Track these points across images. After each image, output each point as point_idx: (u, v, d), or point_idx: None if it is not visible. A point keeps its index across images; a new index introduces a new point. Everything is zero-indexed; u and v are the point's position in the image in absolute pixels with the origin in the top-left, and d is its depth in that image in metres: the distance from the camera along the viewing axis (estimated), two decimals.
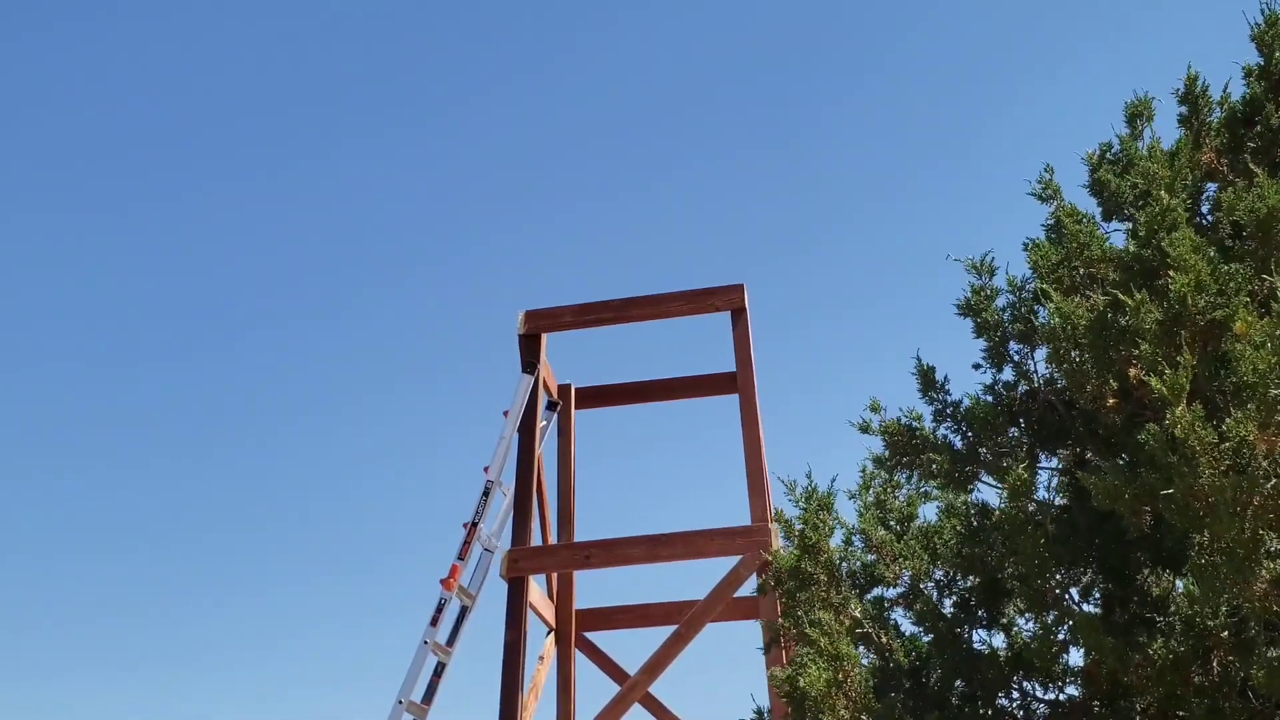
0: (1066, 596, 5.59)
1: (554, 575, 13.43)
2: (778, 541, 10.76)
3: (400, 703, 11.10)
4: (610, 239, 32.51)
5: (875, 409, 6.60)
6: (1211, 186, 6.08)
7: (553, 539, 13.47)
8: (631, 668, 12.22)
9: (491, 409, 13.79)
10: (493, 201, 32.57)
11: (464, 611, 11.76)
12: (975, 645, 6.11)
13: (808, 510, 6.57)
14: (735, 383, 12.70)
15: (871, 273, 32.32)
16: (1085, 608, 5.62)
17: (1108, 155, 6.30)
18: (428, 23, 30.45)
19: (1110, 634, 5.03)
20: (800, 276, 32.28)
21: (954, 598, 6.28)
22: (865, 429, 6.61)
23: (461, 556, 11.89)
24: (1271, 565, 4.22)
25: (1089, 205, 6.18)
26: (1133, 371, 5.00)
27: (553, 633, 13.29)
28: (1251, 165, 5.35)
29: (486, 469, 12.42)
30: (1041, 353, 6.10)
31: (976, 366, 6.37)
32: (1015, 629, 6.03)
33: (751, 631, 13.42)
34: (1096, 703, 5.52)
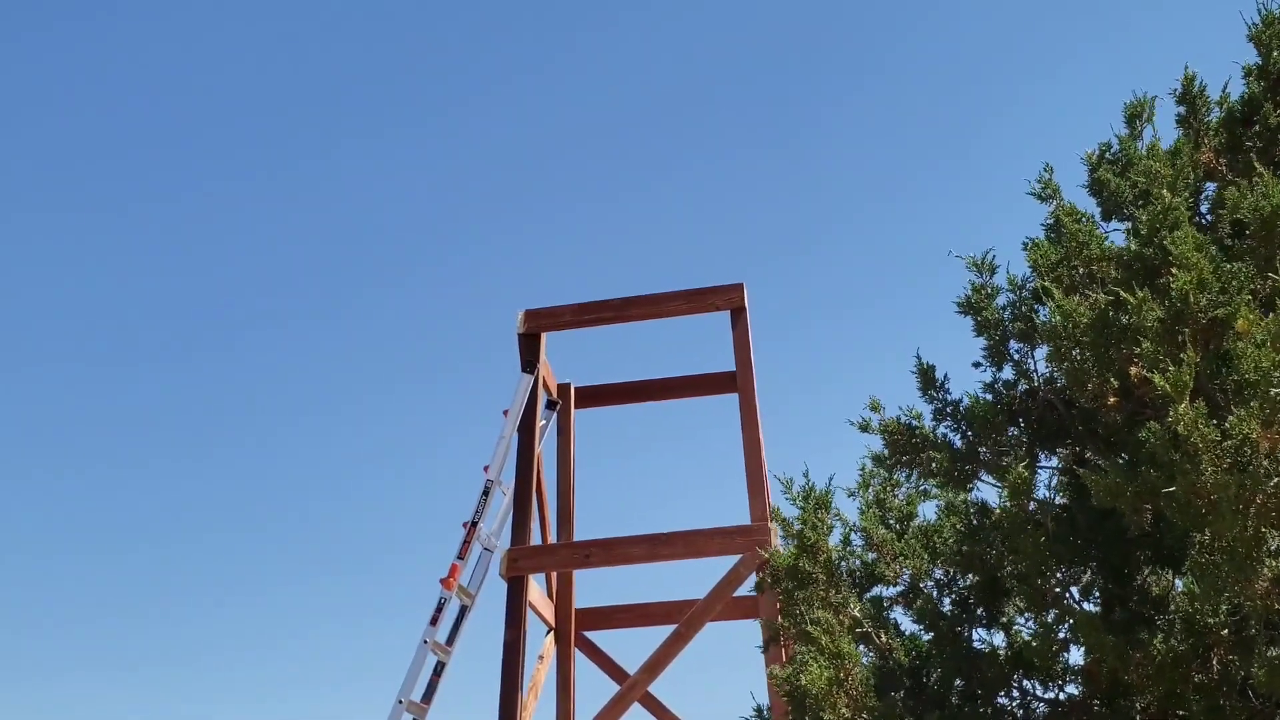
0: (1066, 595, 5.59)
1: (554, 574, 13.43)
2: (777, 541, 10.77)
3: (400, 702, 11.10)
4: (610, 239, 32.52)
5: (875, 408, 6.61)
6: (1210, 186, 6.09)
7: (552, 538, 13.47)
8: (631, 667, 12.22)
9: (491, 408, 13.79)
10: (493, 201, 32.59)
11: (464, 611, 11.76)
12: (975, 644, 6.11)
13: (806, 509, 6.57)
14: (735, 382, 12.70)
15: (871, 273, 32.35)
16: (1085, 606, 5.63)
17: (1107, 155, 6.31)
18: (428, 23, 30.46)
19: (1110, 632, 5.03)
20: (800, 276, 32.30)
21: (954, 596, 6.29)
22: (865, 428, 6.61)
23: (461, 556, 11.89)
24: (1273, 563, 4.22)
25: (1088, 205, 6.20)
26: (1134, 370, 5.00)
27: (552, 632, 13.29)
28: (1256, 164, 5.35)
29: (486, 468, 12.42)
30: (1041, 352, 6.11)
31: (976, 365, 6.37)
32: (1015, 628, 6.04)
33: (751, 631, 13.43)
34: (1096, 701, 5.52)
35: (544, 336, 13.24)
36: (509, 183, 32.55)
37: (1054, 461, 6.22)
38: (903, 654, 6.15)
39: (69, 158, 30.83)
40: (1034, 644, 5.44)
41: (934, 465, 6.30)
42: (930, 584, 6.30)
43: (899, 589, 6.39)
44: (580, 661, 13.35)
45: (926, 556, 6.24)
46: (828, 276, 32.30)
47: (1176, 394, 4.31)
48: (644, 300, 13.05)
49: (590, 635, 13.42)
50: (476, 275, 32.46)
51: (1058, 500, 5.95)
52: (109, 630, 29.42)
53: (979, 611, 6.14)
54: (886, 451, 6.58)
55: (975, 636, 6.17)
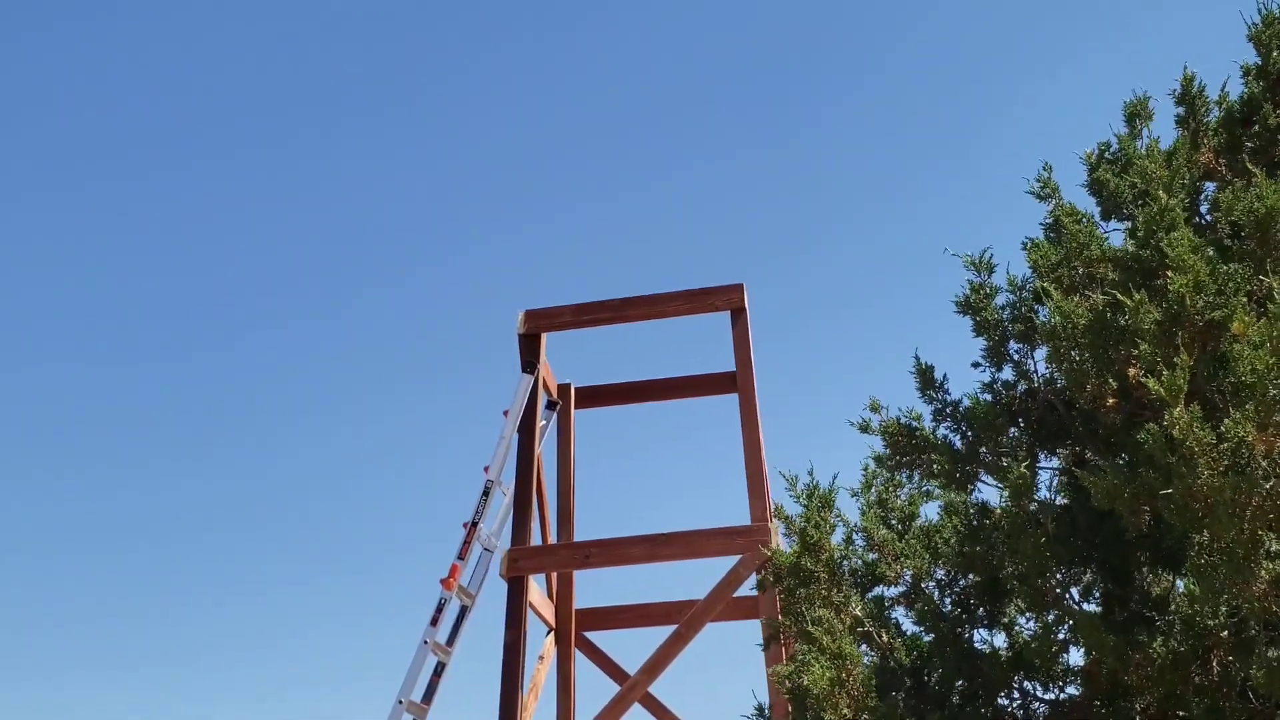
0: (1067, 596, 5.59)
1: (554, 575, 13.43)
2: (778, 539, 10.77)
3: (400, 702, 11.11)
4: (610, 239, 32.51)
5: (875, 409, 6.61)
6: (1210, 186, 6.09)
7: (552, 539, 13.48)
8: (631, 667, 12.23)
9: (491, 409, 13.79)
10: (493, 201, 32.58)
11: (464, 611, 11.76)
12: (976, 644, 6.12)
13: (809, 508, 6.57)
14: (735, 382, 12.70)
15: (871, 273, 32.34)
16: (1085, 607, 5.63)
17: (1106, 155, 6.31)
18: (428, 23, 30.45)
19: (1110, 633, 5.03)
20: (800, 276, 32.30)
21: (954, 597, 6.29)
22: (865, 429, 6.61)
23: (461, 556, 11.90)
24: (1271, 565, 4.23)
25: (1088, 205, 6.19)
26: (1132, 371, 5.00)
27: (552, 632, 13.29)
28: (1250, 165, 5.35)
29: (486, 469, 12.42)
30: (1041, 352, 6.11)
31: (976, 365, 6.37)
32: (1016, 628, 6.04)
33: (751, 631, 13.42)
34: (1096, 702, 5.52)
35: (544, 337, 13.25)
36: (509, 183, 32.57)
37: (1054, 462, 6.22)
38: (904, 654, 6.15)
39: (69, 158, 30.85)
40: (1034, 644, 5.45)
41: (934, 466, 6.30)
42: (931, 584, 6.31)
43: (900, 589, 6.40)
44: (580, 662, 13.36)
45: (928, 557, 6.24)
46: (828, 276, 32.31)
47: (1170, 398, 4.31)
48: (644, 300, 13.05)
49: (590, 635, 13.43)
50: (476, 275, 32.47)
51: (1058, 501, 5.96)
52: (109, 630, 29.44)
53: (980, 612, 6.14)
54: (887, 452, 6.59)
55: (976, 637, 6.17)
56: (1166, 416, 4.32)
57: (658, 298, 13.01)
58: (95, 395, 32.09)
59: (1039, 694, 5.85)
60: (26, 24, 28.48)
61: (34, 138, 30.08)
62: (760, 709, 7.21)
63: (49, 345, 31.89)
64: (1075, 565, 5.58)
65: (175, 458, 32.29)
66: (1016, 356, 6.29)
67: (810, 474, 6.69)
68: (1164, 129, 6.19)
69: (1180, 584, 5.22)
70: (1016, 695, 5.88)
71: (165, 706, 27.31)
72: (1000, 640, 6.10)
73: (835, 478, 6.68)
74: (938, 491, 6.66)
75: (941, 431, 6.48)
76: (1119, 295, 5.03)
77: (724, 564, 11.55)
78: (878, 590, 6.48)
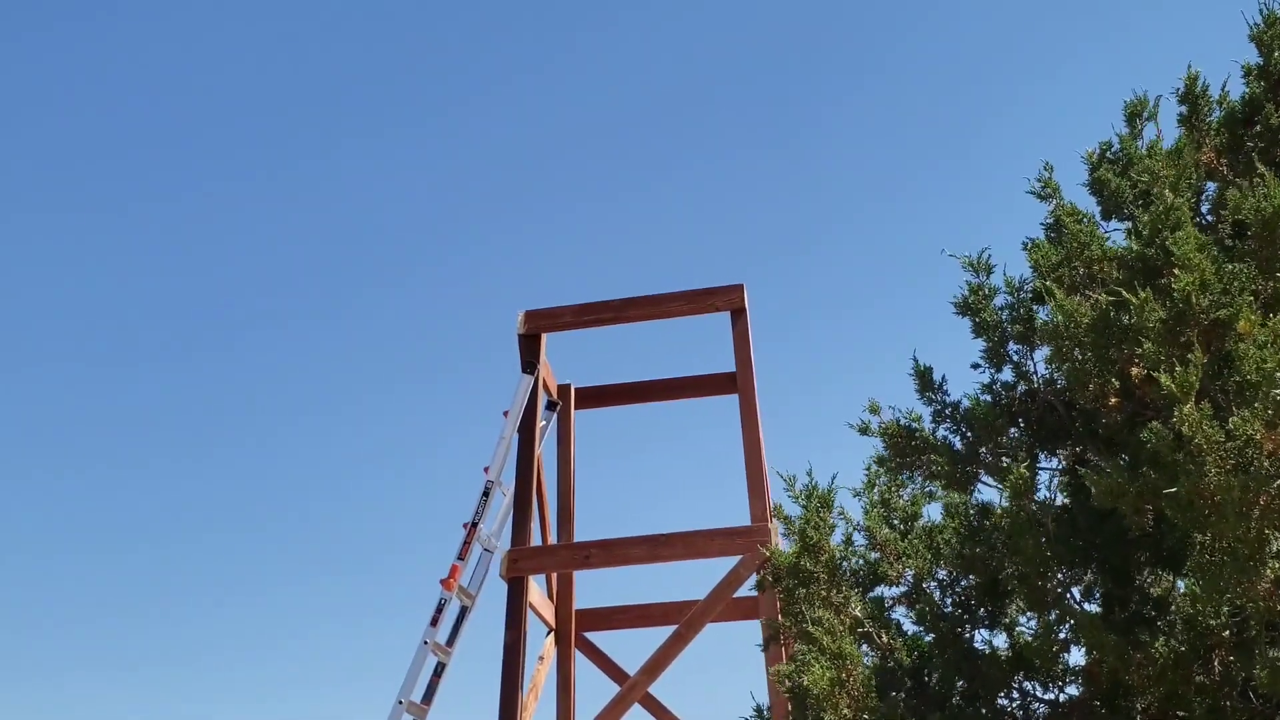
0: (1067, 596, 5.59)
1: (554, 575, 13.42)
2: (778, 540, 10.76)
3: (400, 703, 11.09)
4: (610, 239, 32.51)
5: (874, 410, 6.60)
6: (1211, 186, 6.09)
7: (552, 539, 13.47)
8: (631, 668, 12.22)
9: (491, 409, 13.79)
10: (493, 201, 32.58)
11: (464, 611, 11.75)
12: (976, 645, 6.11)
13: (808, 508, 6.56)
14: (735, 383, 12.70)
15: (871, 273, 32.34)
16: (1086, 607, 5.62)
17: (1107, 154, 6.30)
18: (428, 23, 30.45)
19: (1111, 633, 5.03)
20: (800, 276, 32.29)
21: (955, 597, 6.28)
22: (864, 431, 6.61)
23: (461, 556, 11.89)
24: (1275, 565, 4.22)
25: (1088, 204, 6.19)
26: (1135, 371, 5.00)
27: (552, 633, 13.28)
28: (1257, 164, 5.34)
29: (486, 469, 12.41)
30: (1041, 353, 6.11)
31: (975, 366, 6.37)
32: (1016, 628, 6.03)
33: (751, 631, 13.42)
34: (1097, 702, 5.51)
35: (544, 337, 13.24)
36: (509, 183, 32.56)
37: (1055, 462, 6.22)
38: (904, 654, 6.14)
39: (69, 158, 30.84)
40: (1035, 645, 5.44)
41: (934, 468, 6.30)
42: (932, 584, 6.30)
43: (901, 589, 6.39)
44: (580, 662, 13.35)
45: (930, 556, 6.23)
46: (828, 277, 32.31)
47: (1182, 395, 4.30)
48: (644, 301, 13.04)
49: (590, 636, 13.42)
50: (476, 275, 32.47)
51: (1059, 501, 5.95)
52: (109, 630, 29.43)
53: (980, 612, 6.14)
54: (887, 454, 6.58)
55: (977, 637, 6.16)
56: (1175, 414, 4.31)
57: (658, 298, 13.00)
58: (95, 395, 32.10)
59: (1039, 694, 5.84)
60: (26, 24, 28.49)
61: (34, 138, 30.09)
62: (759, 710, 7.21)
63: (49, 345, 31.90)
64: (1076, 565, 5.57)
65: (175, 458, 32.30)
66: (1016, 357, 6.29)
67: (809, 474, 6.68)
68: (1165, 128, 6.18)
69: (1181, 584, 5.22)
70: (1017, 695, 5.87)
71: (165, 706, 27.31)
72: (1001, 640, 6.09)
73: (834, 478, 6.68)
74: (940, 492, 6.65)
75: (941, 433, 6.47)
76: (1124, 293, 5.02)
77: (724, 564, 11.55)
78: (878, 590, 6.47)
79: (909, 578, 6.29)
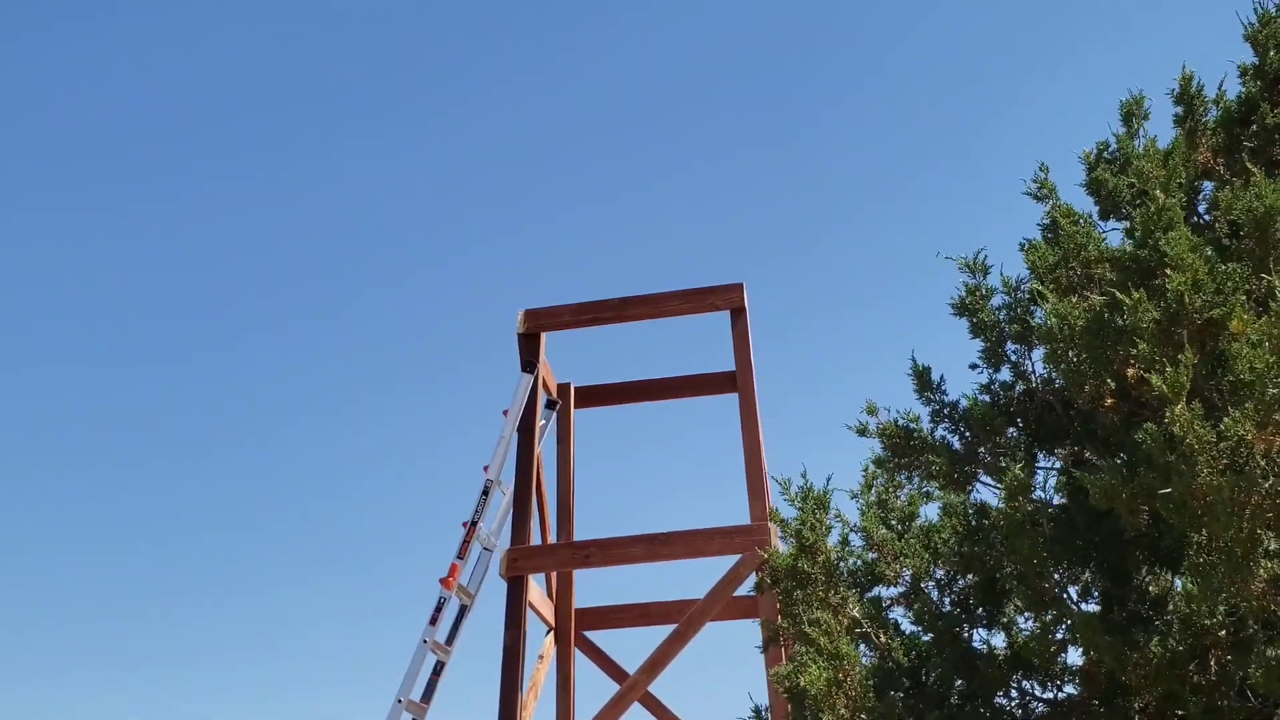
0: (1065, 595, 5.59)
1: (553, 574, 13.44)
2: (776, 540, 10.77)
3: (399, 701, 11.11)
4: (610, 239, 32.51)
5: (872, 411, 6.61)
6: (1208, 185, 6.09)
7: (552, 538, 13.48)
8: (631, 667, 12.24)
9: (491, 408, 13.79)
10: (493, 201, 32.58)
11: (463, 610, 11.77)
12: (974, 644, 6.12)
13: (804, 510, 6.57)
14: (735, 382, 12.71)
15: (871, 273, 32.34)
16: (1084, 607, 5.63)
17: (1105, 154, 6.31)
18: (428, 23, 30.45)
19: (1108, 633, 5.03)
20: (800, 276, 32.29)
21: (953, 597, 6.29)
22: (863, 432, 6.62)
23: (461, 555, 11.90)
24: (1269, 564, 4.22)
25: (1086, 204, 6.20)
26: (1130, 371, 5.00)
27: (552, 632, 13.30)
28: (1248, 164, 5.35)
29: (486, 468, 12.43)
30: (1038, 353, 6.11)
31: (973, 367, 6.38)
32: (1014, 628, 6.04)
33: (750, 630, 13.44)
34: (1095, 701, 5.52)
35: (544, 336, 13.25)
36: (509, 183, 32.57)
37: (1052, 462, 6.23)
38: (902, 654, 6.15)
39: (69, 158, 30.85)
40: (1033, 644, 5.45)
41: (933, 467, 6.31)
42: (930, 584, 6.31)
43: (899, 589, 6.40)
44: (580, 661, 13.37)
45: (927, 556, 6.24)
46: (827, 276, 32.31)
47: (1173, 395, 4.31)
48: (643, 300, 13.05)
49: (590, 635, 13.43)
50: (476, 275, 32.47)
51: (1056, 501, 5.96)
52: (109, 630, 29.45)
53: (978, 612, 6.14)
54: (886, 454, 6.59)
55: (974, 637, 6.17)
56: (1167, 414, 4.32)
57: (657, 297, 13.01)
58: (95, 395, 32.11)
59: (1037, 693, 5.85)
60: (26, 24, 28.50)
61: (34, 138, 30.10)
62: (758, 710, 7.22)
63: (49, 345, 31.92)
64: (1073, 565, 5.58)
65: (175, 458, 32.31)
66: (1014, 357, 6.30)
67: (804, 476, 6.69)
68: (1162, 128, 6.19)
69: (1178, 583, 5.22)
70: (1015, 695, 5.88)
71: (165, 706, 27.33)
72: (999, 640, 6.10)
73: (829, 479, 6.69)
74: (937, 492, 6.66)
75: (940, 433, 6.48)
76: (1118, 294, 5.03)
77: (724, 564, 11.56)
78: (876, 591, 6.48)
79: (906, 578, 6.29)
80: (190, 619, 30.00)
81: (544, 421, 13.39)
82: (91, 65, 30.16)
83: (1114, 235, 6.07)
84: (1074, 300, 5.43)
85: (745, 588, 11.59)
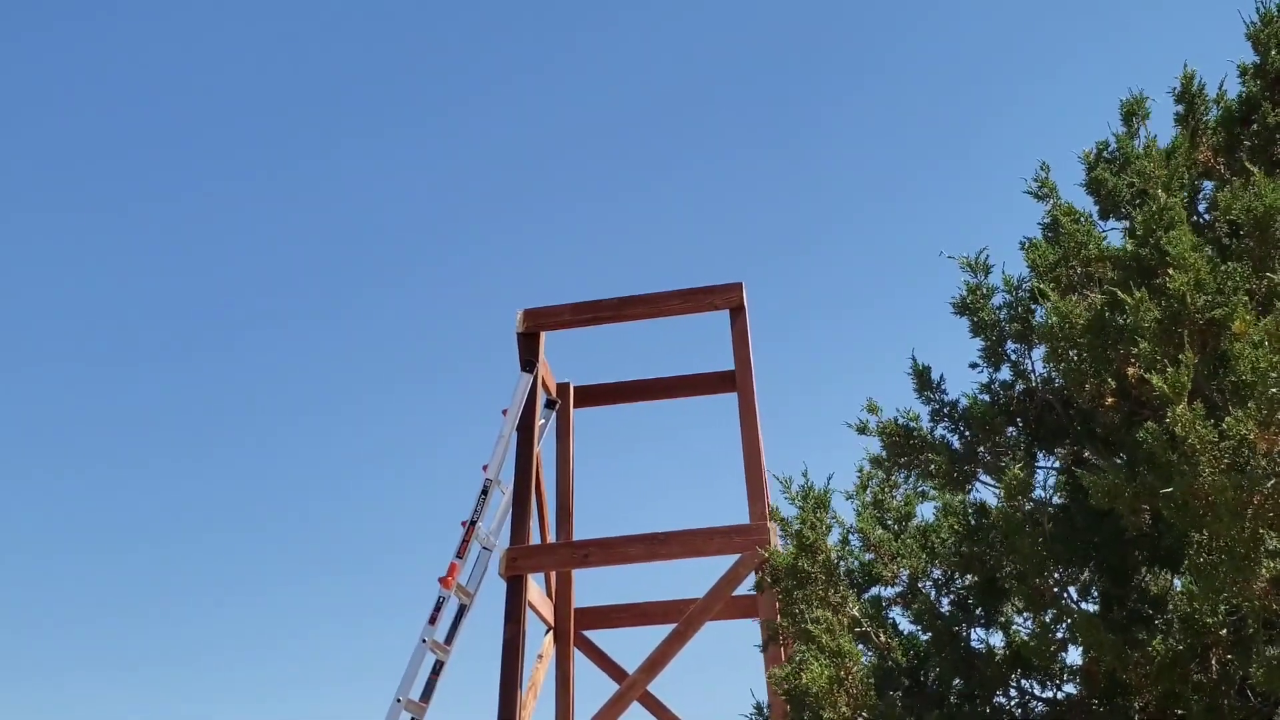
0: (1065, 595, 5.59)
1: (553, 574, 13.43)
2: (776, 540, 10.77)
3: (398, 701, 11.10)
4: (610, 239, 32.49)
5: (872, 410, 6.61)
6: (1208, 185, 6.09)
7: (551, 537, 13.47)
8: (630, 666, 12.23)
9: (491, 408, 13.77)
10: (493, 201, 32.55)
11: (462, 610, 11.76)
12: (974, 644, 6.11)
13: (804, 509, 6.57)
14: (734, 381, 12.70)
15: (871, 273, 32.31)
16: (1084, 606, 5.63)
17: (1105, 154, 6.31)
18: (428, 23, 30.44)
19: (1109, 632, 5.03)
20: (800, 276, 32.27)
21: (952, 596, 6.29)
22: (863, 430, 6.61)
23: (460, 555, 11.89)
24: (1271, 564, 4.22)
25: (1086, 204, 6.19)
26: (1131, 370, 5.00)
27: (551, 631, 13.29)
28: (1248, 164, 5.35)
29: (485, 467, 12.42)
30: (1039, 352, 6.11)
31: (974, 366, 6.38)
32: (1013, 627, 6.04)
33: (750, 630, 13.43)
34: (1095, 701, 5.52)
35: (543, 336, 13.25)
36: (509, 183, 32.54)
37: (1052, 462, 6.22)
38: (901, 654, 6.15)
39: (69, 158, 30.82)
40: (1032, 643, 5.44)
41: (932, 467, 6.30)
42: (929, 584, 6.31)
43: (897, 589, 6.39)
44: (579, 661, 13.36)
45: (924, 556, 6.24)
46: (827, 276, 32.28)
47: (1174, 395, 4.31)
48: (643, 299, 13.05)
49: (589, 634, 13.43)
50: (476, 275, 32.44)
51: (1056, 500, 5.96)
52: (109, 630, 29.41)
53: (977, 611, 6.14)
54: (885, 453, 6.59)
55: (974, 636, 6.17)
56: (1169, 414, 4.31)
57: (657, 296, 13.00)
58: (95, 395, 32.07)
59: (1037, 693, 5.85)
60: (26, 24, 28.48)
61: (34, 138, 30.07)
62: (758, 708, 7.22)
63: (49, 345, 31.88)
64: (1073, 564, 5.58)
65: (175, 458, 32.28)
66: (1014, 357, 6.29)
67: (805, 475, 6.69)
68: (1162, 128, 6.19)
69: (1178, 582, 5.22)
70: (1014, 694, 5.88)
71: (165, 706, 27.30)
72: (998, 639, 6.10)
73: (830, 478, 6.69)
74: (933, 492, 6.66)
75: (939, 432, 6.48)
76: (1119, 293, 5.02)
77: (723, 563, 11.56)
78: (875, 590, 6.48)
79: (904, 578, 6.29)
80: (190, 619, 29.99)
81: (543, 421, 13.39)
82: (91, 65, 30.15)
83: (1113, 235, 6.08)
84: (1074, 299, 5.43)
85: (745, 587, 11.59)
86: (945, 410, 6.45)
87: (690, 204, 32.32)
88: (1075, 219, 5.81)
